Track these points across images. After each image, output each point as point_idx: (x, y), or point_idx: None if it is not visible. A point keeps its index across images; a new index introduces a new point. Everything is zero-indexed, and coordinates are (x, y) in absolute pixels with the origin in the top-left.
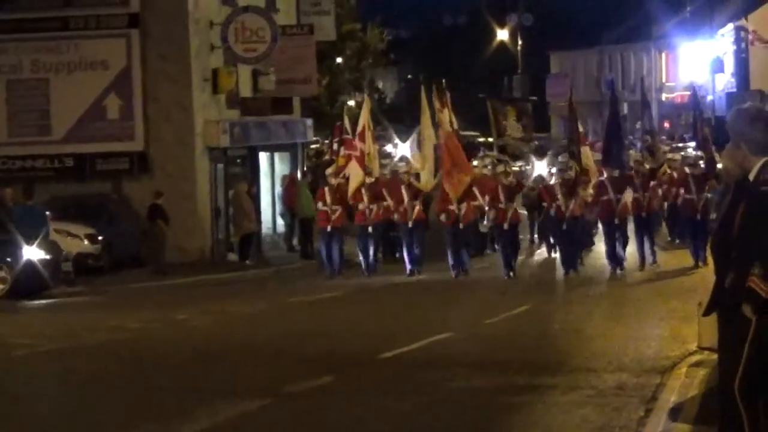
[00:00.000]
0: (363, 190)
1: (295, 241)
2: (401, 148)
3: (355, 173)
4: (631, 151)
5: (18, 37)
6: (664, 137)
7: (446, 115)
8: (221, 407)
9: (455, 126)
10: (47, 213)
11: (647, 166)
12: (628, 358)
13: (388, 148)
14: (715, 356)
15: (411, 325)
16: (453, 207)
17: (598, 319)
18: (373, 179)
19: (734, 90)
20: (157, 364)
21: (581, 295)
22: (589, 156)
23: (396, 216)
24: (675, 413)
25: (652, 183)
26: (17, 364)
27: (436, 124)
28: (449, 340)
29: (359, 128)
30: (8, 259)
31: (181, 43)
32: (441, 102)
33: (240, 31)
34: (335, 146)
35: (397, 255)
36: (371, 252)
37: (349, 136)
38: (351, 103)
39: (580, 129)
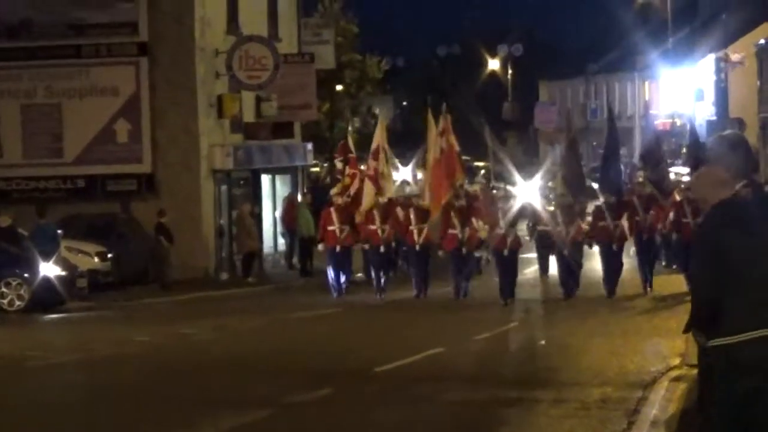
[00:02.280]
0: (375, 211)
1: (295, 260)
2: (402, 172)
3: (368, 191)
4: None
5: (32, 63)
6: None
7: (447, 139)
8: (224, 417)
9: (456, 149)
10: (59, 231)
11: (648, 190)
12: (612, 373)
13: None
14: (695, 371)
15: (406, 341)
16: (456, 231)
17: (583, 335)
18: (386, 199)
19: (714, 118)
20: (163, 375)
21: (567, 312)
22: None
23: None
24: (656, 426)
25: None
26: (30, 374)
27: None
28: (442, 354)
29: (373, 147)
30: (26, 275)
31: (188, 71)
32: (444, 124)
33: (244, 59)
34: (339, 165)
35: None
36: (381, 273)
37: (354, 155)
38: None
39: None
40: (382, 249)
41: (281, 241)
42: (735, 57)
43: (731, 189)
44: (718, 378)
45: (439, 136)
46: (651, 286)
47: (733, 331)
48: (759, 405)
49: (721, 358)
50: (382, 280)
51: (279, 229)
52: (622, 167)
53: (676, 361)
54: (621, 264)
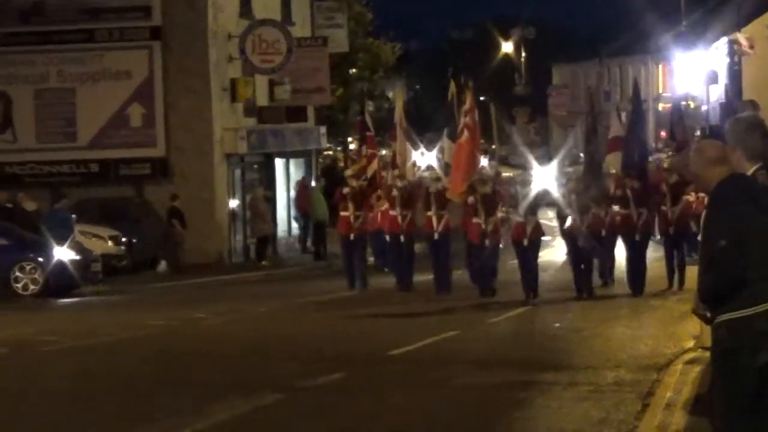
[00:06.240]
0: (395, 195)
1: (308, 244)
2: (427, 157)
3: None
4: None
5: (46, 48)
6: (660, 145)
7: (472, 117)
8: (237, 401)
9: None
10: (72, 216)
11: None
12: (625, 356)
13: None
14: (708, 354)
15: (419, 324)
16: (479, 221)
17: (596, 318)
18: (405, 182)
19: (725, 101)
20: (176, 360)
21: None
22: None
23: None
24: (670, 408)
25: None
26: (44, 359)
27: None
28: (455, 338)
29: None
30: (40, 260)
31: (201, 55)
32: (471, 102)
33: (257, 43)
34: (355, 144)
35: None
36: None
37: (371, 133)
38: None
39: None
40: (402, 238)
41: (295, 225)
42: (744, 43)
43: (728, 167)
44: (731, 354)
45: (463, 114)
46: (682, 283)
47: (754, 302)
48: None
49: (740, 330)
50: (405, 273)
51: (292, 213)
52: (646, 150)
53: (690, 343)
54: (644, 257)
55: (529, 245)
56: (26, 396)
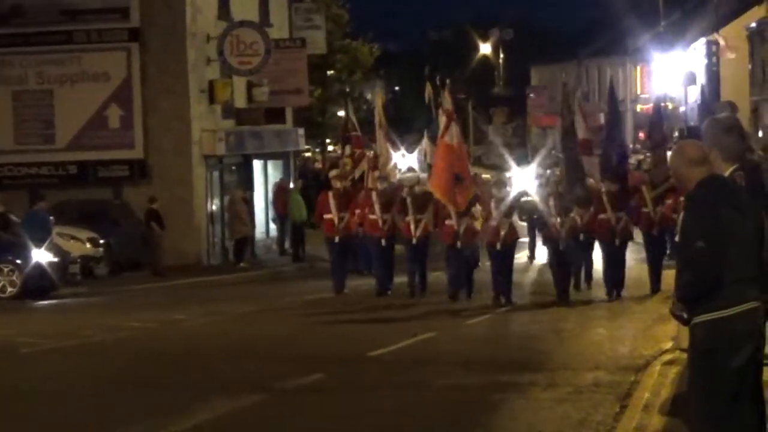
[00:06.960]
0: (375, 198)
1: (287, 245)
2: (408, 159)
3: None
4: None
5: (24, 50)
6: (638, 146)
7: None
8: (217, 403)
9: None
10: (51, 218)
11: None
12: (604, 357)
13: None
14: (686, 355)
15: (397, 326)
16: (452, 222)
17: (575, 320)
18: (386, 185)
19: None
20: (156, 362)
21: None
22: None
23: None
24: (648, 409)
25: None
26: (23, 361)
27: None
28: (434, 339)
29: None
30: (18, 262)
31: (179, 56)
32: (453, 104)
33: (235, 44)
34: (338, 146)
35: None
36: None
37: (357, 133)
38: (341, 113)
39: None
40: (383, 242)
41: (273, 226)
42: (723, 44)
43: (707, 168)
44: (709, 355)
45: (445, 114)
46: (659, 285)
47: (732, 303)
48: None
49: (718, 331)
50: (385, 278)
51: (270, 214)
52: (626, 151)
53: (668, 344)
54: (624, 261)
55: (503, 248)
56: (6, 397)
